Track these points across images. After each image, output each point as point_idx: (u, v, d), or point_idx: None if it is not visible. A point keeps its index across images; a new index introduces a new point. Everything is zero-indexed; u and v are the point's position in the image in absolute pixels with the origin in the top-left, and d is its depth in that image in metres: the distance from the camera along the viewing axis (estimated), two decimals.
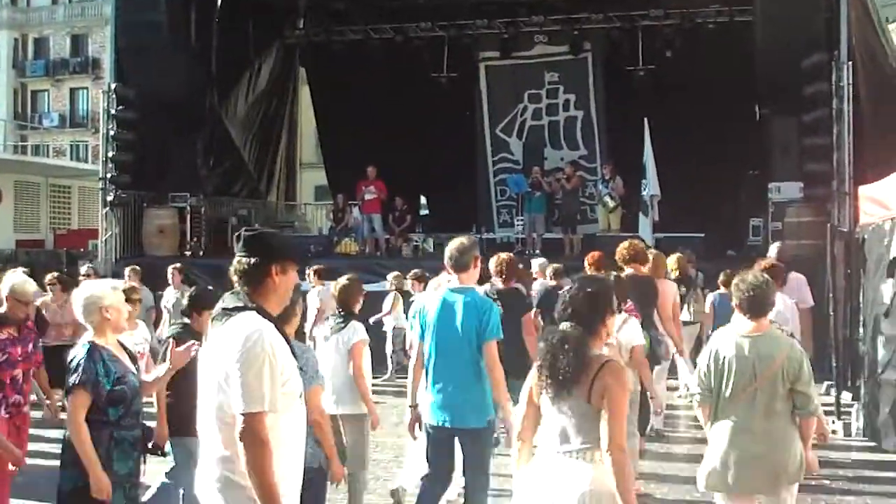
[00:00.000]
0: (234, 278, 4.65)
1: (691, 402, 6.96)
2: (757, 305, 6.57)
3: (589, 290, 5.27)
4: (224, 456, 4.40)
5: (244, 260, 4.61)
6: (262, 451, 4.25)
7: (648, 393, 9.55)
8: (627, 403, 5.10)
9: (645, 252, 11.59)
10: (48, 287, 14.13)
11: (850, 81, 18.25)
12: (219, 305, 4.63)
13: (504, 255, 10.81)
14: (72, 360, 6.17)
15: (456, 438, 7.53)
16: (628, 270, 10.82)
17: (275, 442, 4.33)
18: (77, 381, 6.03)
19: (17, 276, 8.99)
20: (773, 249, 13.32)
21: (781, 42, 18.98)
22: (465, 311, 7.36)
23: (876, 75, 19.21)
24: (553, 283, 13.79)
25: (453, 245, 7.62)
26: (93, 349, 6.14)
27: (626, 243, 11.41)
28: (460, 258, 7.51)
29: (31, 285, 9.00)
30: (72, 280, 14.65)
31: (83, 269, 17.89)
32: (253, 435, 4.24)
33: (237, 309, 4.50)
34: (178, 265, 17.89)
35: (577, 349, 5.04)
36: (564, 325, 5.19)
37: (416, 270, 16.07)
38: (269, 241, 4.75)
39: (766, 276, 6.87)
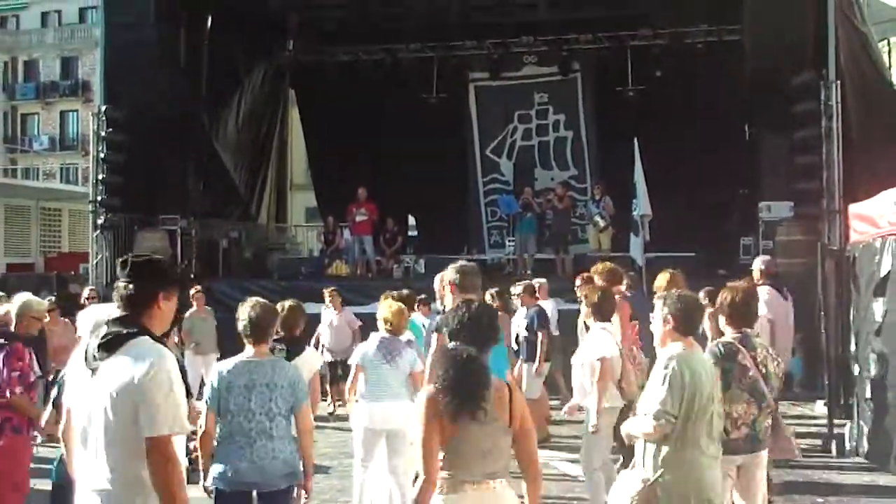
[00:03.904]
0: (119, 304, 4.74)
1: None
2: (694, 323, 6.38)
3: (487, 312, 5.35)
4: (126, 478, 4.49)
5: (129, 286, 4.70)
6: (175, 472, 4.41)
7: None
8: None
9: (620, 272, 11.56)
10: (47, 312, 14.12)
11: (839, 100, 18.31)
12: (104, 332, 4.68)
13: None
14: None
15: None
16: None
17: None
18: None
19: (27, 295, 9.08)
20: (758, 262, 13.06)
21: (770, 61, 19.05)
22: None
23: (865, 93, 19.23)
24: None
25: (463, 268, 7.72)
26: None
27: (599, 265, 11.39)
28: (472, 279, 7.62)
29: (43, 304, 9.12)
30: (70, 305, 14.62)
31: (85, 292, 17.69)
32: (169, 457, 4.39)
33: (131, 335, 4.58)
34: (333, 288, 17.89)
35: (483, 369, 4.98)
36: (464, 347, 5.08)
37: (526, 282, 15.04)
38: (155, 270, 4.86)
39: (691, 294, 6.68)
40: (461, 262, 7.82)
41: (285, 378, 6.60)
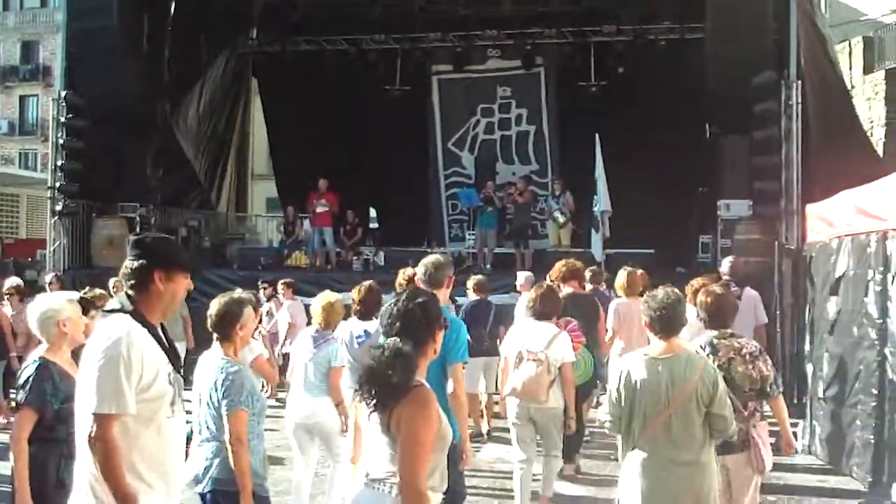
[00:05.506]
0: (122, 281, 4.69)
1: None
2: (667, 324, 6.18)
3: (420, 301, 4.85)
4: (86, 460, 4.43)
5: (129, 263, 4.63)
6: (108, 454, 4.27)
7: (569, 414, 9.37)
8: (431, 435, 4.48)
9: (582, 270, 11.62)
10: (5, 296, 13.95)
11: (799, 100, 18.39)
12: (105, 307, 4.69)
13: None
14: (20, 377, 6.10)
15: None
16: (567, 289, 10.86)
17: (137, 449, 4.38)
18: (24, 400, 5.97)
19: None
20: (725, 264, 13.06)
21: (731, 60, 19.07)
22: None
23: (824, 94, 19.36)
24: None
25: (429, 261, 7.59)
26: (42, 367, 6.04)
27: (561, 262, 11.44)
28: (435, 273, 7.45)
29: None
30: (30, 290, 14.49)
31: (47, 278, 17.23)
32: (100, 436, 4.27)
33: (114, 311, 4.54)
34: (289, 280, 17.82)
35: (407, 368, 4.57)
36: (393, 340, 4.69)
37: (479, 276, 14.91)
38: (154, 247, 4.76)
39: (676, 292, 6.41)
40: (431, 256, 7.74)
41: (214, 378, 6.28)
